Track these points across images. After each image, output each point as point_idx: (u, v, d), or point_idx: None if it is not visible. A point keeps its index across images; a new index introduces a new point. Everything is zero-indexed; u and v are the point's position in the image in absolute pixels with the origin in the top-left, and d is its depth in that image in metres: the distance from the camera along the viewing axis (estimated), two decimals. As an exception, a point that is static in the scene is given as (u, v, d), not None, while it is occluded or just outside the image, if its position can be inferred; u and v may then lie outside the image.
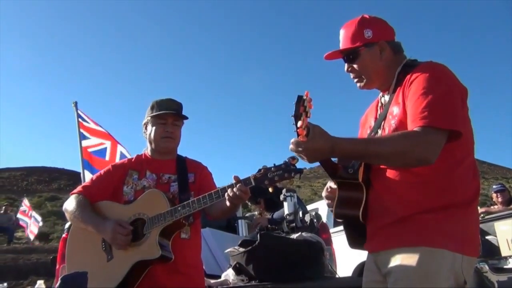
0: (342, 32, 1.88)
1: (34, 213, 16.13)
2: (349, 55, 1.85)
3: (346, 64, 1.88)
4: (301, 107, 1.50)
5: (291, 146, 1.58)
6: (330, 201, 1.88)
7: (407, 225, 1.62)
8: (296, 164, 1.96)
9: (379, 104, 1.90)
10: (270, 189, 2.06)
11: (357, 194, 1.71)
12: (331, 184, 1.89)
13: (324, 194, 1.94)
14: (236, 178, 2.07)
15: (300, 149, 1.54)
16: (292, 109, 1.53)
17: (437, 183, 1.61)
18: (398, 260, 1.60)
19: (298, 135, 1.51)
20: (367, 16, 1.86)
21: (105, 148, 6.69)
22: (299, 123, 1.49)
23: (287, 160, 1.98)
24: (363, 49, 1.81)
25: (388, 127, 1.72)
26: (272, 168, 2.00)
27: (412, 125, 1.57)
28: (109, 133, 6.81)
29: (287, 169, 1.96)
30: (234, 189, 2.03)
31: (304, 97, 1.51)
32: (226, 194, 2.07)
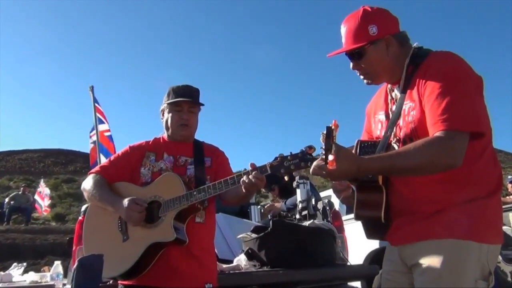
0: (344, 29, 1.79)
1: (46, 190, 16.74)
2: (354, 54, 1.77)
3: (351, 62, 1.80)
4: (331, 140, 1.49)
5: (315, 168, 1.57)
6: (338, 193, 1.87)
7: (433, 219, 1.61)
8: (312, 154, 1.95)
9: (389, 97, 1.85)
10: (286, 178, 2.06)
11: (377, 196, 1.68)
12: None
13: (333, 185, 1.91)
14: (252, 165, 2.07)
15: (324, 172, 1.54)
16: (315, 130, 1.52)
17: (461, 178, 1.59)
18: (426, 252, 1.60)
19: (326, 163, 1.50)
20: (369, 9, 1.76)
21: (111, 135, 6.85)
22: (330, 157, 1.48)
23: (303, 149, 1.97)
24: (368, 47, 1.72)
25: (406, 127, 1.68)
26: (289, 157, 1.99)
27: (433, 129, 1.53)
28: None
29: (304, 158, 1.96)
30: (250, 177, 2.04)
31: (333, 127, 1.50)
32: (242, 180, 2.07)
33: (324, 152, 1.50)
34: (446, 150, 1.50)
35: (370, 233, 1.83)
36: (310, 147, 1.95)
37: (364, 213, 1.74)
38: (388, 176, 1.70)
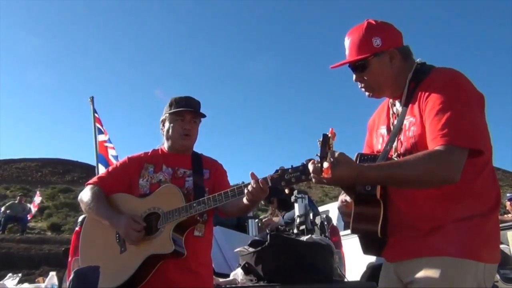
0: (347, 41, 1.79)
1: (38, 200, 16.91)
2: (357, 66, 1.77)
3: (354, 74, 1.80)
4: (327, 147, 1.48)
5: (313, 174, 1.56)
6: (345, 217, 1.87)
7: (430, 236, 1.61)
8: None
9: (391, 112, 1.85)
10: (287, 191, 2.06)
11: (375, 210, 1.67)
12: (346, 197, 1.85)
13: (339, 206, 1.91)
14: (253, 175, 2.06)
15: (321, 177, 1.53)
16: (314, 136, 1.51)
17: (459, 195, 1.59)
18: (422, 269, 1.59)
19: (321, 170, 1.49)
20: (374, 22, 1.77)
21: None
22: (325, 165, 1.46)
23: (305, 162, 1.95)
24: (372, 59, 1.73)
25: (406, 141, 1.68)
26: (290, 170, 1.99)
27: (433, 143, 1.54)
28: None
29: (305, 171, 1.94)
30: (255, 185, 2.02)
31: (329, 135, 1.50)
32: (246, 191, 2.06)
33: (319, 160, 1.49)
34: (444, 163, 1.50)
35: (367, 248, 1.82)
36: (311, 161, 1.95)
37: (360, 226, 1.73)
38: (387, 187, 1.69)
